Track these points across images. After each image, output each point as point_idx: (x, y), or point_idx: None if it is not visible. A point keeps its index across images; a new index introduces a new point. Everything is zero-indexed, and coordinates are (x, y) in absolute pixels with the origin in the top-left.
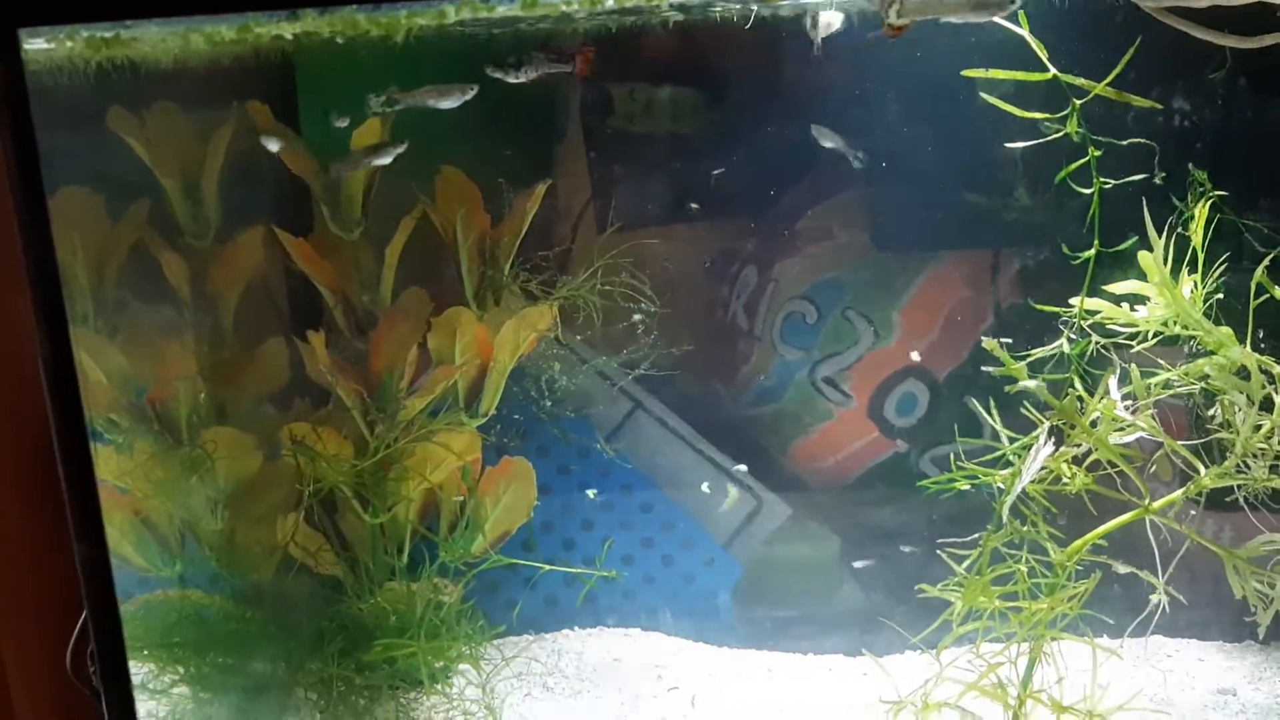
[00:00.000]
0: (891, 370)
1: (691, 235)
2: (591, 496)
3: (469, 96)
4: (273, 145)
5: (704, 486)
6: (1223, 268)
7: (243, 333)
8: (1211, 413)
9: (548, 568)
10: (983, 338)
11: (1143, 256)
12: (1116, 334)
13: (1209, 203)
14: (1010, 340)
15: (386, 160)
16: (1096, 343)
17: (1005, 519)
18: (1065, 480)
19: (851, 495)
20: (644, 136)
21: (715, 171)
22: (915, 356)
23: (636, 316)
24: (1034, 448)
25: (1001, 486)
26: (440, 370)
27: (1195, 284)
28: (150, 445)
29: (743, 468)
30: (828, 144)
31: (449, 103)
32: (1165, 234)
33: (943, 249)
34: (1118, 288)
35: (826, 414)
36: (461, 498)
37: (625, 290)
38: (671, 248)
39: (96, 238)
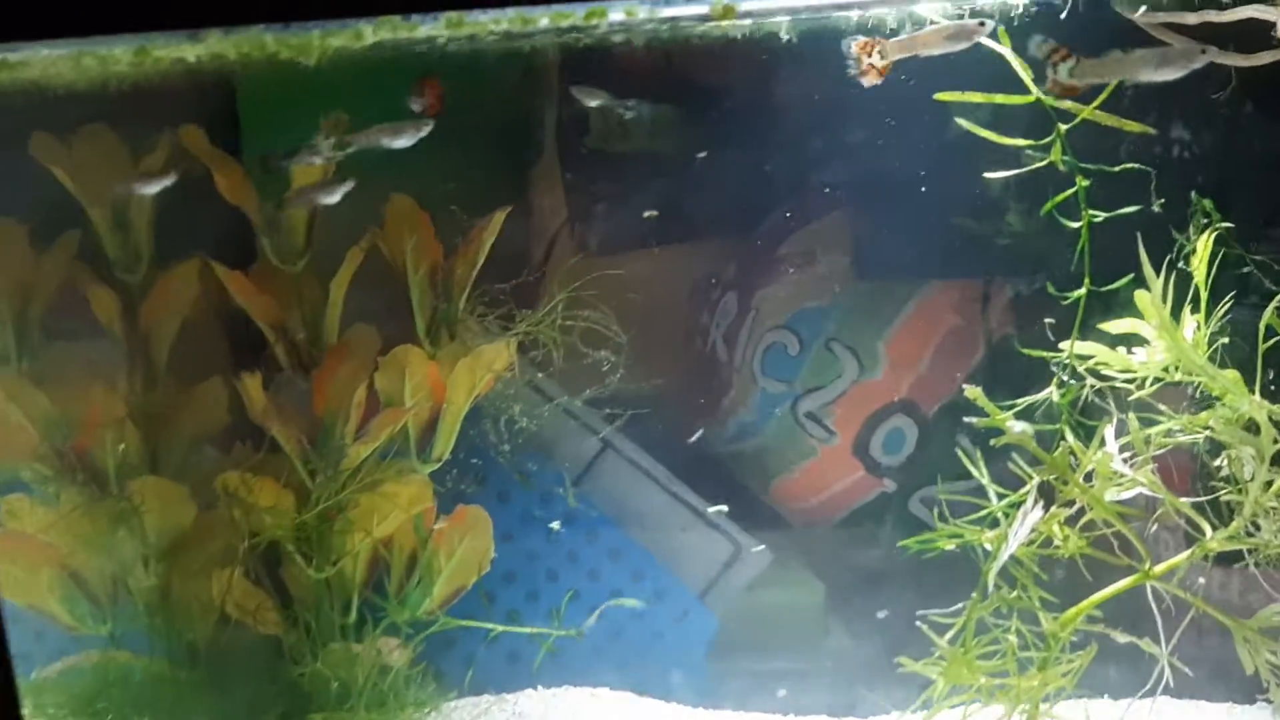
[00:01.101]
0: (878, 405)
1: (669, 260)
2: (555, 528)
3: (424, 134)
4: (149, 188)
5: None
6: (1228, 306)
7: (178, 372)
8: (1218, 463)
9: (501, 629)
10: (965, 386)
11: (1140, 297)
12: (1113, 378)
13: (1213, 235)
14: (1005, 376)
15: (334, 199)
16: (1090, 388)
17: (991, 587)
18: (1057, 543)
19: (836, 538)
20: (622, 156)
21: (647, 213)
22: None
23: (606, 351)
24: (1022, 510)
25: (988, 548)
26: (387, 413)
27: (1199, 325)
28: (76, 496)
29: (723, 509)
30: (593, 103)
31: (404, 141)
32: (1165, 269)
33: (931, 276)
34: (1113, 327)
35: (809, 451)
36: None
37: (594, 322)
38: (647, 273)
39: (20, 271)
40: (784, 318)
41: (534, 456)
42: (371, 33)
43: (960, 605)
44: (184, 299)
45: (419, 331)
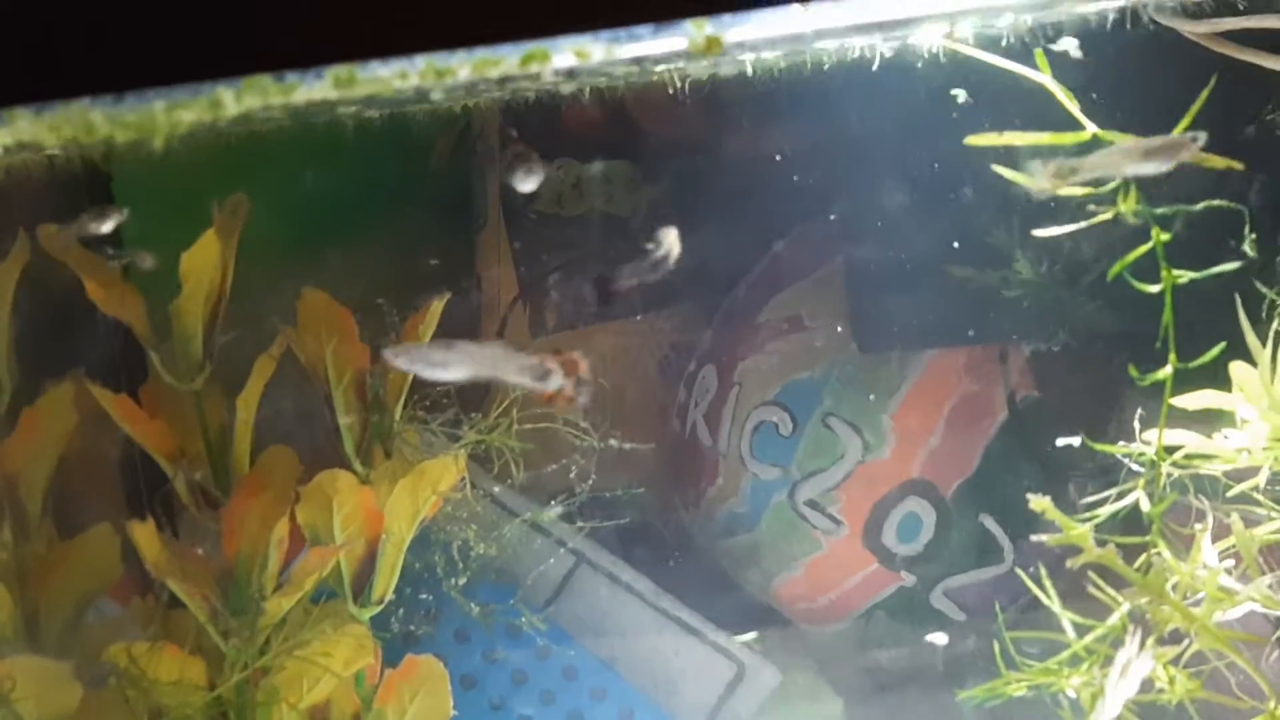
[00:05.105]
0: (888, 487)
1: (636, 332)
2: None
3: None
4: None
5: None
6: None
7: (57, 520)
8: None
9: None
10: (1029, 495)
11: (1238, 370)
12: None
13: None
14: (1031, 445)
15: (107, 228)
16: (1168, 478)
17: None
18: (1161, 687)
19: (852, 641)
20: (576, 220)
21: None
22: None
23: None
24: (1121, 655)
25: (1072, 694)
26: (313, 555)
27: None
28: None
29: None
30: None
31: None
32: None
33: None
34: (1190, 401)
35: (814, 545)
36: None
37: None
38: (613, 349)
39: None
40: (773, 392)
41: (496, 586)
42: (235, 100)
43: None
44: (58, 432)
45: (347, 451)
